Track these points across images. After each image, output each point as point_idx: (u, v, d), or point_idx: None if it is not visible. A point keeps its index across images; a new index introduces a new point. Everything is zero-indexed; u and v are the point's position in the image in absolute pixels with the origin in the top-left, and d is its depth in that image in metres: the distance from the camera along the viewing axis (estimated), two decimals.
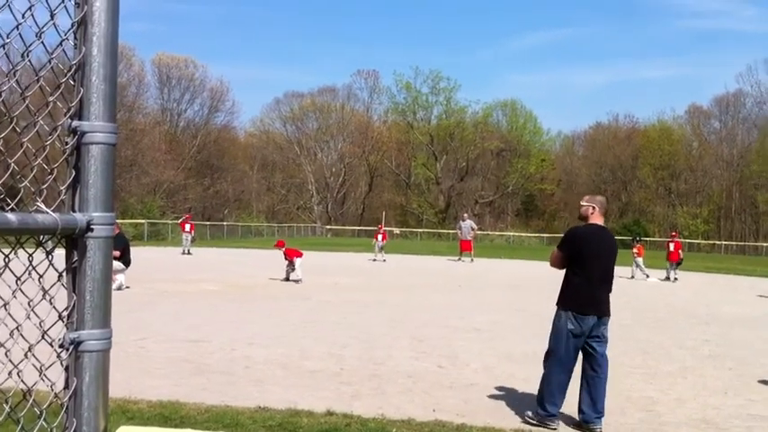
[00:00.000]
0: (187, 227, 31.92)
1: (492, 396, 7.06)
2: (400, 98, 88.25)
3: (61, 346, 1.68)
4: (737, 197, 77.53)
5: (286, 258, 18.58)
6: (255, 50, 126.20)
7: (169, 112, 74.95)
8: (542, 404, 6.20)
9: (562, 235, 7.12)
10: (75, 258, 1.67)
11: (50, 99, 1.62)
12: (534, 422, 6.15)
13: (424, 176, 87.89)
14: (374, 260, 29.41)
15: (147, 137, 62.43)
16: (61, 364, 1.65)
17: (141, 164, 60.31)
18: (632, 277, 23.99)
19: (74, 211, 1.64)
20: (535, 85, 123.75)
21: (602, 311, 6.33)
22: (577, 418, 6.23)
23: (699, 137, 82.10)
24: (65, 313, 1.65)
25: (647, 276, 23.72)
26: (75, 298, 1.65)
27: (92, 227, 1.63)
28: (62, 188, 1.64)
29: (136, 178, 59.63)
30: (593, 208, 6.74)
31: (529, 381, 7.73)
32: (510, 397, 7.04)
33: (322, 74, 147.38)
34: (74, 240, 1.65)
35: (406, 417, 6.09)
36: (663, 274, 24.14)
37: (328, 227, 79.75)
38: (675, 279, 23.36)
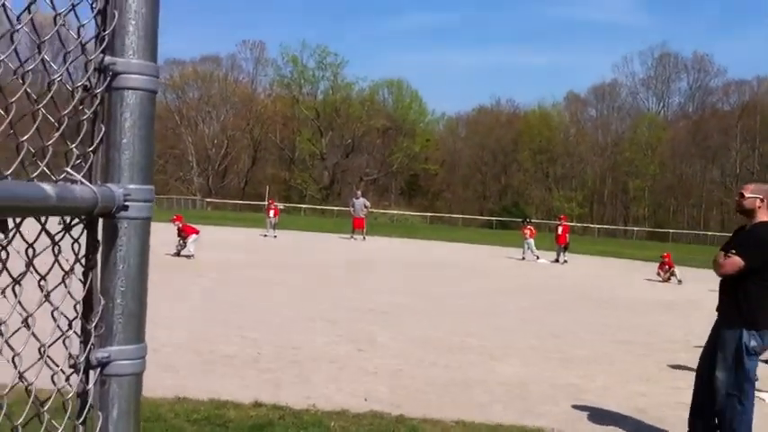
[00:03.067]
0: None
1: (421, 384, 6.77)
2: (286, 71, 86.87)
3: (73, 366, 1.21)
4: (610, 183, 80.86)
5: (180, 234, 17.71)
6: None
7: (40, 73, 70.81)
8: None
9: (735, 236, 5.30)
10: (99, 245, 1.20)
11: (83, 23, 1.13)
12: None
13: (308, 152, 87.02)
14: (265, 236, 28.70)
15: None
16: (79, 391, 1.19)
17: None
18: (523, 258, 24.42)
19: (103, 182, 1.17)
20: (419, 65, 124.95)
21: None
22: None
23: (576, 124, 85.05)
24: (89, 326, 1.18)
25: (537, 258, 24.18)
26: (101, 301, 1.19)
27: (126, 203, 1.16)
28: (82, 150, 1.16)
29: None
30: (762, 201, 5.10)
31: (451, 367, 7.54)
32: (438, 385, 6.78)
33: (205, 42, 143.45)
34: (94, 221, 1.18)
35: (338, 408, 5.71)
36: (553, 256, 24.67)
37: (208, 200, 77.84)
38: (565, 261, 23.91)
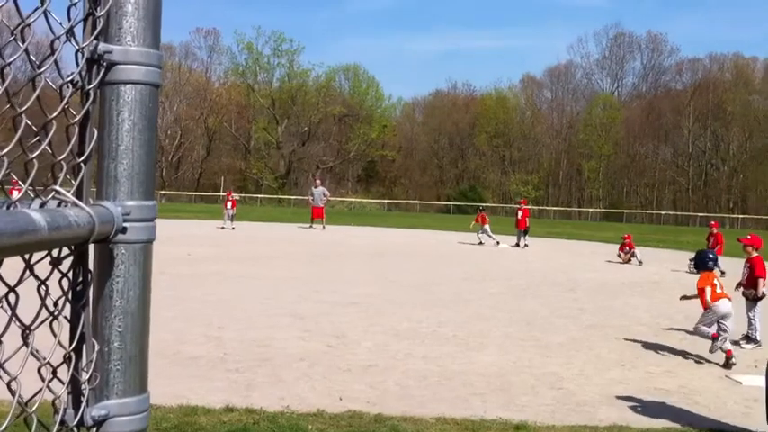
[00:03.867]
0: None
1: (396, 379, 6.60)
2: (241, 59, 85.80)
3: (63, 423, 0.99)
4: (565, 165, 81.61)
5: None
6: None
7: None
8: None
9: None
10: (91, 277, 0.98)
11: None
12: None
13: (264, 141, 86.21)
14: (222, 228, 28.23)
15: None
16: None
17: None
18: (480, 243, 24.40)
19: (98, 199, 0.95)
20: (376, 51, 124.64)
21: None
22: None
23: (532, 106, 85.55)
24: (80, 377, 0.96)
25: (497, 243, 24.17)
26: (95, 346, 0.97)
27: (125, 225, 0.94)
28: (70, 162, 0.93)
29: None
30: None
31: (428, 359, 7.38)
32: (415, 378, 6.61)
33: None
34: (85, 249, 0.96)
35: (314, 408, 5.51)
36: (513, 240, 24.69)
37: (162, 192, 76.63)
38: (526, 245, 23.93)
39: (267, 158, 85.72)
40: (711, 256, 8.95)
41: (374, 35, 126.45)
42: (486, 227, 25.06)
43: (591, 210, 69.35)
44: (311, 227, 29.90)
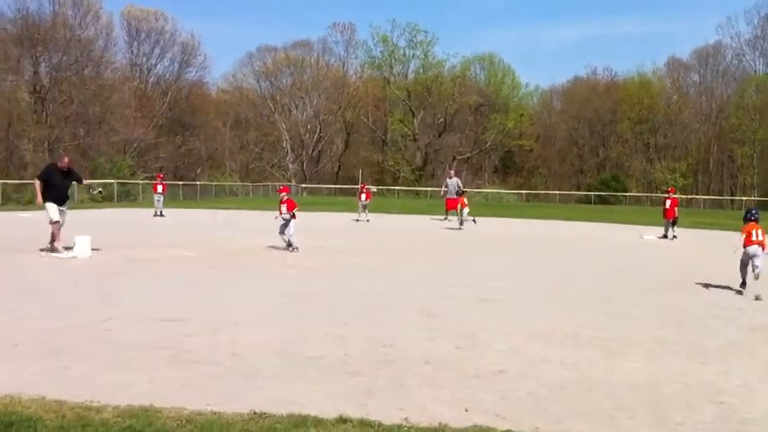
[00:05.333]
0: (159, 188, 30.37)
1: (530, 388, 5.90)
2: (377, 52, 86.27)
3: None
4: (716, 151, 77.12)
5: (282, 207, 16.21)
6: (226, 3, 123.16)
7: (138, 68, 72.51)
8: None
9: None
10: None
11: None
12: None
13: (400, 133, 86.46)
14: (357, 220, 28.15)
15: (116, 93, 60.25)
16: None
17: (110, 121, 58.26)
18: (461, 227, 24.95)
19: None
20: (511, 39, 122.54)
21: None
22: None
23: (678, 90, 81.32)
24: None
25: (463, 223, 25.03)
26: None
27: None
28: None
29: (105, 136, 57.61)
30: None
31: (566, 365, 6.63)
32: (552, 388, 5.89)
33: (296, 27, 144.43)
34: None
35: (436, 421, 4.92)
36: (660, 231, 23.18)
37: (304, 185, 78.42)
38: (674, 237, 22.38)
39: (404, 150, 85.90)
40: (753, 211, 11.88)
41: (508, 24, 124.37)
42: (465, 210, 25.42)
43: (744, 198, 65.00)
44: (446, 219, 29.33)
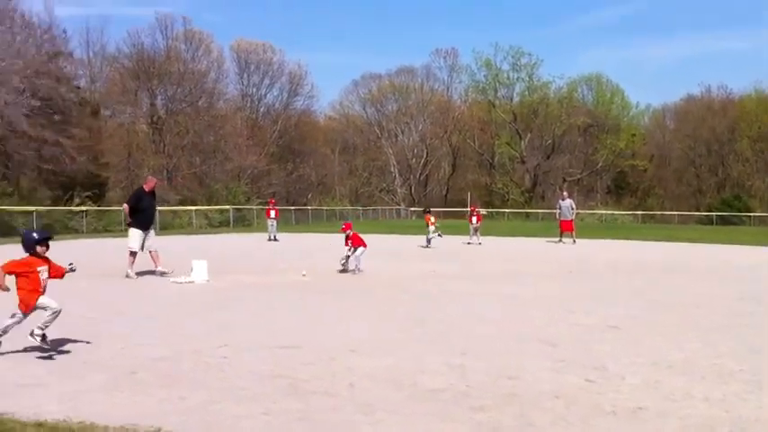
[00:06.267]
0: (272, 213, 30.85)
1: (674, 427, 5.34)
2: (480, 76, 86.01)
3: None
4: None
5: (348, 243, 16.32)
6: (331, 33, 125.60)
7: (249, 98, 74.68)
8: None
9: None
10: None
11: None
12: None
13: (508, 155, 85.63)
14: (469, 243, 27.71)
15: (228, 123, 62.11)
16: None
17: (224, 150, 60.01)
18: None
19: None
20: (617, 59, 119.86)
21: None
22: None
23: None
24: None
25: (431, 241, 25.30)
26: None
27: None
28: None
29: (219, 164, 59.36)
30: None
31: (711, 402, 6.01)
32: (698, 428, 5.32)
33: (399, 54, 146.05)
34: None
35: None
36: None
37: (412, 209, 78.48)
38: None
39: (512, 173, 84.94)
40: None
41: (613, 44, 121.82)
42: (431, 227, 25.41)
43: None
44: (560, 241, 28.52)
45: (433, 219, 26.14)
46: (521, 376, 6.77)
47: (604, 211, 69.43)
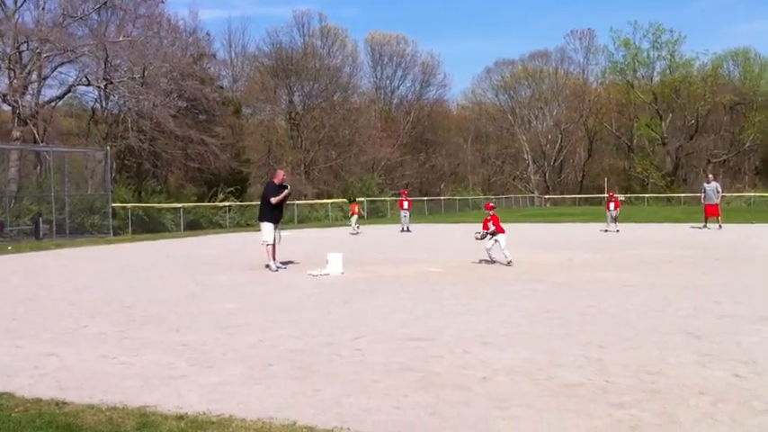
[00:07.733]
0: (405, 204, 31.05)
1: None
2: (618, 56, 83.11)
3: None
4: None
5: (488, 225, 15.87)
6: (462, 21, 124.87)
7: (382, 90, 75.50)
8: None
9: None
10: None
11: None
12: None
13: (647, 138, 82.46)
14: (606, 231, 26.88)
15: (362, 116, 63.09)
16: None
17: (359, 143, 61.00)
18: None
19: None
20: (765, 31, 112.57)
21: None
22: None
23: None
24: None
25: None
26: None
27: None
28: None
29: (354, 157, 60.38)
30: None
31: None
32: None
33: (532, 38, 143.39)
34: None
35: None
36: None
37: (547, 196, 77.17)
38: None
39: (652, 156, 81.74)
40: None
41: (759, 16, 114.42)
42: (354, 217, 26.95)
43: None
44: (705, 226, 27.20)
45: (357, 209, 29.07)
46: (663, 371, 6.46)
47: (753, 194, 65.57)
